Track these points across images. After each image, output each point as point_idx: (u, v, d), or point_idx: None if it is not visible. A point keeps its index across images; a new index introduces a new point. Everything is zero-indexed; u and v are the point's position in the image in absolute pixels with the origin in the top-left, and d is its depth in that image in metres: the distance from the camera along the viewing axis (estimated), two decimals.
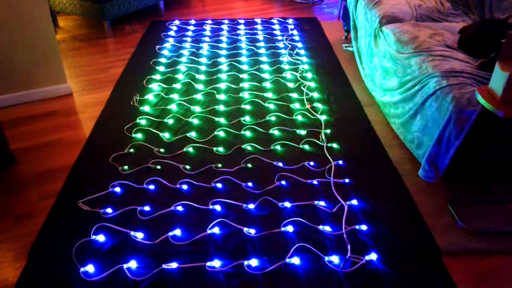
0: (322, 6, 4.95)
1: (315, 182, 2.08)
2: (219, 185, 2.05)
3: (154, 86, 2.97)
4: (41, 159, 2.26)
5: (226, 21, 4.24)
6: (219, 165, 2.18)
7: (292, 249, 1.70)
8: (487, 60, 2.05)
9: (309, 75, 3.14)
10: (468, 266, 1.68)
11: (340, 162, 2.21)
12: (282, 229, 1.80)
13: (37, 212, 1.91)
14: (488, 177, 2.12)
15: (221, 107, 2.71)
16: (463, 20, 2.80)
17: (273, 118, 2.60)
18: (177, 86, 2.97)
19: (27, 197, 2.01)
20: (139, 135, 2.42)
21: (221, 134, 2.45)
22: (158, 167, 2.17)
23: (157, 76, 3.11)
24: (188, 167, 2.16)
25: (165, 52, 3.52)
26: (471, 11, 2.95)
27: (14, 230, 1.83)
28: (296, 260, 1.66)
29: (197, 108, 2.69)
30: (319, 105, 2.74)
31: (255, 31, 4.00)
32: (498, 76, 1.62)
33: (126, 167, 2.16)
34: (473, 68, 2.07)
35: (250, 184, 2.05)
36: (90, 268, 1.61)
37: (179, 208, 1.91)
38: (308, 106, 2.73)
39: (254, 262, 1.65)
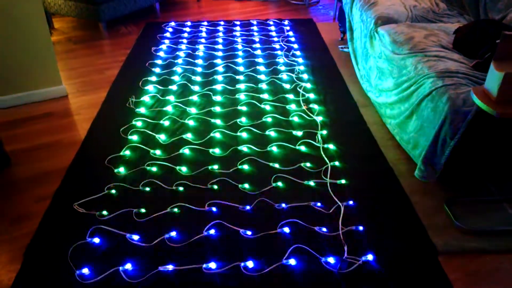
0: (318, 7, 4.96)
1: (311, 183, 2.08)
2: (215, 187, 2.04)
3: (150, 87, 2.96)
4: (37, 161, 2.25)
5: (222, 23, 4.23)
6: (215, 167, 2.17)
7: (289, 251, 1.70)
8: (481, 61, 2.06)
9: (305, 76, 3.14)
10: (465, 265, 1.68)
11: (337, 163, 2.22)
12: (279, 230, 1.80)
13: (33, 214, 1.90)
14: (484, 176, 2.13)
15: (217, 109, 2.70)
16: (458, 21, 2.81)
17: (269, 120, 2.60)
18: (173, 87, 2.96)
19: (22, 199, 2.00)
20: (135, 137, 2.41)
21: (217, 135, 2.44)
22: (154, 169, 2.16)
23: (153, 78, 3.10)
24: (184, 168, 2.16)
25: (161, 53, 3.51)
26: (466, 12, 2.96)
27: (9, 232, 1.82)
28: (293, 262, 1.65)
29: (193, 110, 2.69)
30: (315, 106, 2.74)
31: (251, 33, 4.00)
32: (493, 76, 1.62)
33: (122, 169, 2.15)
34: (468, 68, 2.07)
35: (246, 185, 2.05)
36: (86, 271, 1.60)
37: (175, 210, 1.91)
38: (304, 107, 2.73)
39: (250, 263, 1.64)
